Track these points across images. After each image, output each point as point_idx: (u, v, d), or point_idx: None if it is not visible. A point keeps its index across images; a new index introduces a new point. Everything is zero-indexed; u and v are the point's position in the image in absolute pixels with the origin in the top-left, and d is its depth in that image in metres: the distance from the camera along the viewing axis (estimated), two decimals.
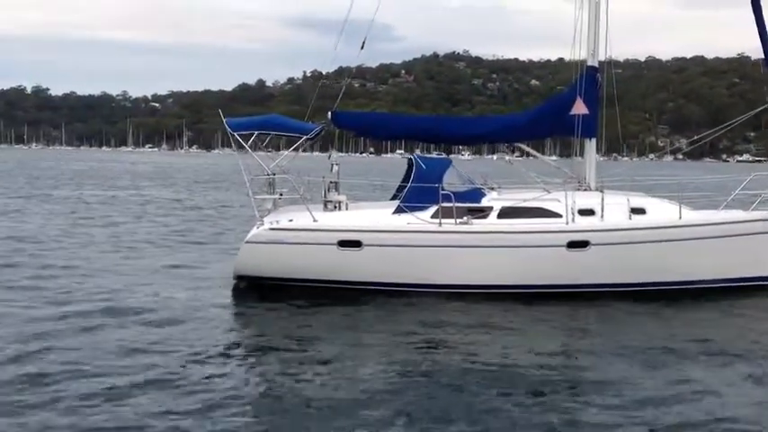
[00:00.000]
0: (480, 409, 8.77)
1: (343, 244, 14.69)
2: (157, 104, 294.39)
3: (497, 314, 13.56)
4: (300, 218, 15.08)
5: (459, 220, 14.77)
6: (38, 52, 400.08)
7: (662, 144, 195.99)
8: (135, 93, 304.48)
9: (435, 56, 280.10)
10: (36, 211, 30.50)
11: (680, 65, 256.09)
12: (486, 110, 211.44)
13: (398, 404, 8.88)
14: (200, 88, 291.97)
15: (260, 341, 11.95)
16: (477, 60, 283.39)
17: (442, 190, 14.85)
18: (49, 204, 34.53)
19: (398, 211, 15.12)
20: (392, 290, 14.62)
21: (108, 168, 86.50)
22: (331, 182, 16.13)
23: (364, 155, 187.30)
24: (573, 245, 14.65)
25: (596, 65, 16.35)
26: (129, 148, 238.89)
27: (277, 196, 15.60)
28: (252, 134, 15.36)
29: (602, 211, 15.00)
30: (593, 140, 16.52)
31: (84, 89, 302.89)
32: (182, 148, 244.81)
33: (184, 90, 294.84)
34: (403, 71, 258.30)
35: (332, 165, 16.22)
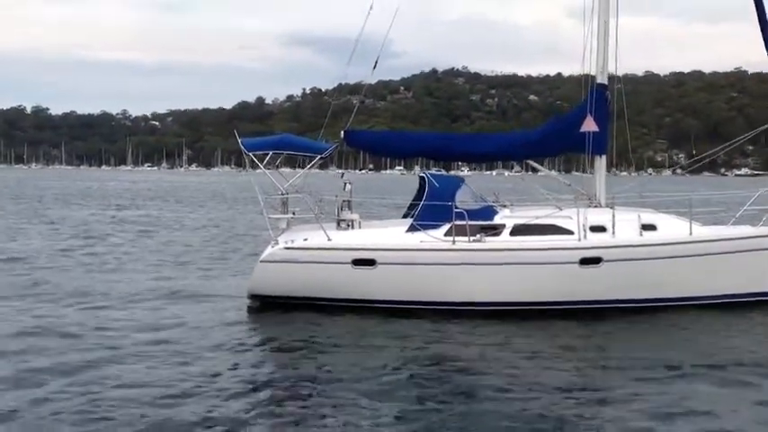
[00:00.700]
0: (489, 427, 8.89)
1: (358, 262, 14.78)
2: (157, 123, 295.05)
3: (512, 332, 13.62)
4: (314, 237, 15.18)
5: (472, 238, 14.87)
6: (39, 73, 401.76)
7: (660, 159, 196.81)
8: (135, 112, 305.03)
9: (434, 72, 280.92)
10: (39, 231, 30.66)
11: (678, 79, 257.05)
12: (486, 125, 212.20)
13: (410, 424, 8.97)
14: (199, 106, 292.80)
15: (276, 360, 12.01)
16: (476, 76, 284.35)
17: (456, 208, 14.96)
18: (54, 224, 34.64)
19: (412, 229, 15.22)
20: (406, 308, 14.69)
21: (111, 188, 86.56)
22: (344, 200, 16.25)
23: (363, 171, 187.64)
24: (585, 261, 14.75)
25: (605, 82, 16.49)
26: (129, 167, 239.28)
27: (291, 215, 15.70)
28: (267, 154, 15.47)
29: (614, 227, 15.11)
30: (604, 157, 16.63)
31: (83, 108, 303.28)
32: (181, 167, 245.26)
33: (183, 108, 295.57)
34: (402, 87, 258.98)
35: (344, 183, 16.33)
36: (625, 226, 15.14)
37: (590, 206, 16.21)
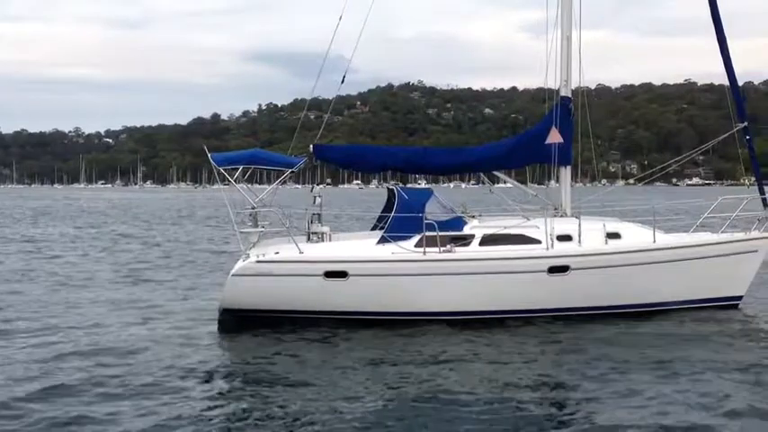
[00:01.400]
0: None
1: (330, 275, 14.85)
2: (111, 140, 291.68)
3: (483, 340, 13.82)
4: (286, 250, 15.23)
5: (443, 249, 15.06)
6: None
7: (613, 170, 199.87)
8: (88, 129, 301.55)
9: (390, 86, 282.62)
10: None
11: (629, 92, 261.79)
12: (442, 139, 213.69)
13: None
14: (154, 123, 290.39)
15: (248, 374, 11.89)
16: (432, 90, 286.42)
17: (426, 219, 15.14)
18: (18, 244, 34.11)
19: (383, 240, 15.35)
20: (378, 319, 14.81)
21: (69, 206, 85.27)
22: (314, 214, 16.34)
23: (321, 186, 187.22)
24: (554, 270, 15.03)
25: (569, 94, 16.86)
26: (82, 185, 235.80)
27: (262, 229, 15.73)
28: (237, 169, 15.50)
29: (580, 236, 15.42)
30: (569, 168, 16.99)
31: (35, 126, 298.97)
32: (136, 184, 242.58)
33: (138, 125, 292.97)
34: (358, 102, 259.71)
35: (314, 197, 16.43)
36: (591, 235, 15.46)
37: (556, 216, 16.52)
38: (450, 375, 11.52)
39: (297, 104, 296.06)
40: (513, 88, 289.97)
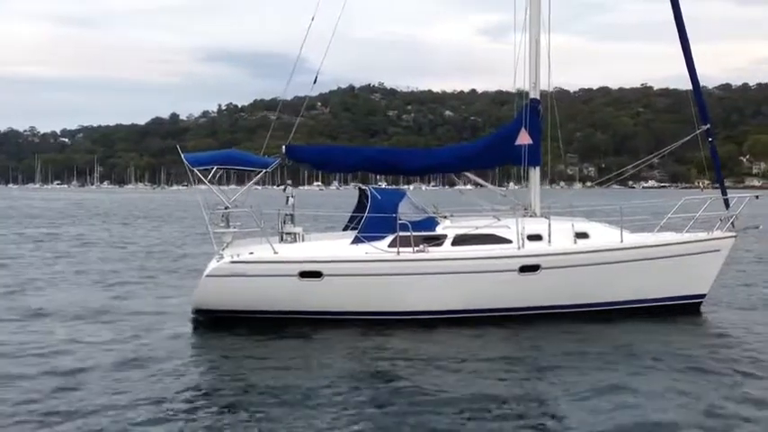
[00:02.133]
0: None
1: (304, 275, 14.94)
2: (67, 140, 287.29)
3: (456, 338, 14.05)
4: (260, 250, 15.29)
5: (416, 249, 15.23)
6: None
7: (571, 172, 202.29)
8: (43, 128, 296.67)
9: (351, 88, 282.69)
10: None
11: (587, 95, 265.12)
12: (402, 141, 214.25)
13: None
14: (111, 123, 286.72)
15: (221, 374, 11.91)
16: (392, 92, 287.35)
17: (399, 220, 15.30)
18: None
19: (356, 241, 15.48)
20: (352, 318, 14.93)
21: (27, 206, 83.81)
22: (287, 214, 16.41)
23: (281, 187, 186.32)
24: (525, 269, 15.28)
25: (538, 97, 17.14)
26: (37, 185, 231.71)
27: (236, 230, 15.75)
28: (211, 169, 15.48)
29: (550, 236, 15.70)
30: (538, 169, 17.26)
31: None
32: (93, 184, 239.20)
33: (95, 125, 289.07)
34: (319, 103, 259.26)
35: (287, 197, 16.50)
36: (560, 235, 15.74)
37: (525, 216, 16.79)
38: (423, 374, 11.66)
39: (257, 105, 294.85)
40: (473, 90, 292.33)
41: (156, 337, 14.16)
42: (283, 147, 16.84)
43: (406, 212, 15.67)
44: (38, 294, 18.80)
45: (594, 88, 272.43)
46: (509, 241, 15.57)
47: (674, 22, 17.03)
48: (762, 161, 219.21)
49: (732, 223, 16.97)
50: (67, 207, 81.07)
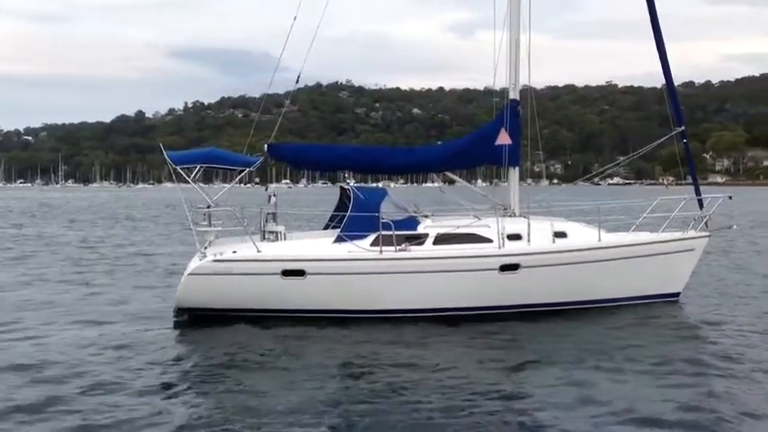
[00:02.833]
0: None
1: (287, 273, 15.00)
2: (30, 138, 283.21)
3: (438, 337, 14.18)
4: (243, 249, 15.32)
5: (398, 248, 15.37)
6: None
7: (538, 169, 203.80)
8: (6, 126, 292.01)
9: (319, 85, 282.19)
10: None
11: (553, 93, 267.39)
12: (371, 138, 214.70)
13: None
14: (76, 120, 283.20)
15: (204, 373, 11.87)
16: (360, 90, 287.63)
17: (381, 219, 15.42)
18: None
19: (339, 240, 15.57)
20: (335, 317, 15.02)
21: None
22: (269, 213, 16.46)
23: (249, 186, 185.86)
24: (505, 268, 15.48)
25: (517, 97, 17.34)
26: (0, 184, 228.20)
27: (219, 228, 15.77)
28: (194, 167, 15.49)
29: (529, 235, 15.92)
30: (517, 169, 17.46)
31: None
32: (57, 183, 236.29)
33: (59, 122, 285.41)
34: (287, 101, 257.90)
35: (269, 196, 16.54)
36: (539, 234, 15.96)
37: (505, 215, 17.00)
38: (404, 373, 11.75)
39: (224, 102, 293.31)
40: (441, 88, 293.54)
41: (137, 335, 14.08)
42: (265, 145, 16.87)
43: (388, 211, 15.78)
44: (10, 294, 18.62)
45: (561, 86, 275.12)
46: (490, 240, 15.76)
47: (650, 25, 17.32)
48: (724, 158, 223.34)
49: (706, 223, 17.35)
50: (32, 206, 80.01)
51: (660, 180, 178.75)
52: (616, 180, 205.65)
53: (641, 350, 13.11)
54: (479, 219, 16.68)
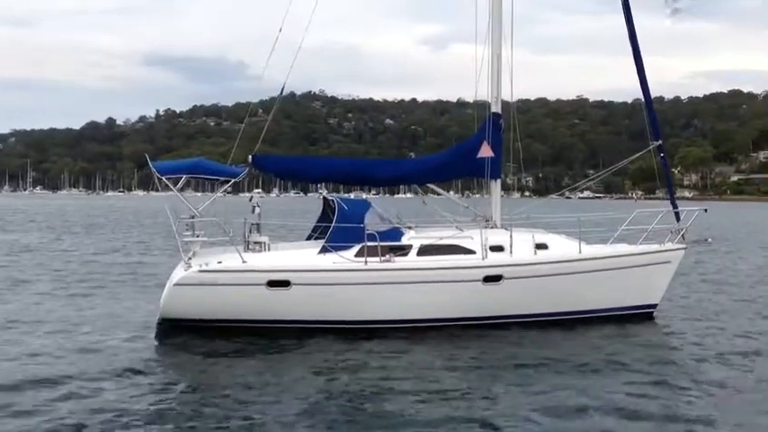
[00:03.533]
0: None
1: (272, 284, 15.06)
2: None
3: (420, 348, 14.30)
4: (228, 259, 15.37)
5: (382, 259, 15.50)
6: None
7: (510, 182, 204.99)
8: None
9: (292, 95, 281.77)
10: None
11: (525, 106, 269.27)
12: (343, 149, 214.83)
13: None
14: (45, 126, 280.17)
15: (188, 384, 11.90)
16: (333, 100, 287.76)
17: (366, 230, 15.55)
18: None
19: (324, 250, 15.68)
20: (320, 327, 15.10)
21: None
22: (253, 223, 16.52)
23: (222, 194, 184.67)
24: (488, 279, 15.68)
25: (499, 110, 17.60)
26: None
27: (204, 239, 15.80)
28: (180, 178, 15.52)
29: (511, 247, 16.14)
30: (498, 181, 17.71)
31: None
32: (26, 190, 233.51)
33: (28, 128, 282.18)
34: (260, 110, 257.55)
35: (253, 207, 16.61)
36: (521, 245, 16.19)
37: (487, 227, 17.21)
38: (388, 383, 11.85)
39: (196, 110, 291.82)
40: (414, 100, 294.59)
41: (120, 346, 13.97)
42: (250, 156, 16.95)
43: (372, 222, 15.93)
44: None
45: (532, 99, 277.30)
46: (473, 252, 15.96)
47: (628, 41, 17.68)
48: (692, 173, 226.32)
49: (683, 236, 17.69)
50: (5, 213, 78.97)
51: (630, 194, 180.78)
52: (586, 194, 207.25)
53: (617, 362, 13.34)
54: (462, 230, 16.87)
